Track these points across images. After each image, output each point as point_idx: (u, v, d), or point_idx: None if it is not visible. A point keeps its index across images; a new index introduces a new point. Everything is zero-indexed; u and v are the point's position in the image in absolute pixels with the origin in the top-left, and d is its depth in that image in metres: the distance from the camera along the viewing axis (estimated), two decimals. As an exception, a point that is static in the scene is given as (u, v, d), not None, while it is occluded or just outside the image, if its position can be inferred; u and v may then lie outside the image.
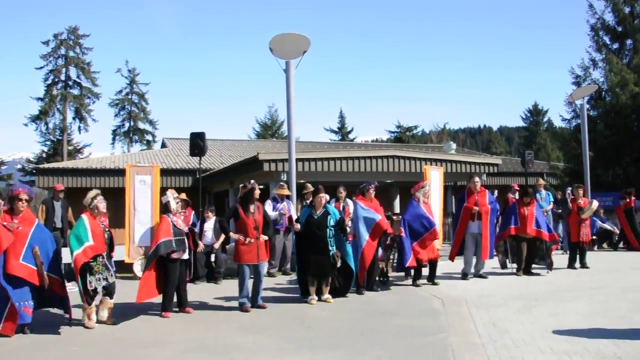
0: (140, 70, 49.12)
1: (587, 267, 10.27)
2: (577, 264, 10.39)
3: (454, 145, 27.62)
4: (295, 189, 10.39)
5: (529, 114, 54.96)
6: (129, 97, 48.30)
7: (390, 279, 9.26)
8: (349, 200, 9.53)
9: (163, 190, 7.49)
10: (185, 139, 19.74)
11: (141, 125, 48.36)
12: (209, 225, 9.90)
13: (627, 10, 21.38)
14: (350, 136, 51.38)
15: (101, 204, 6.34)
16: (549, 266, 9.63)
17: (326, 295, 7.49)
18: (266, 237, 7.18)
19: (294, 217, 9.09)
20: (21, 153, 65.02)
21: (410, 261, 8.42)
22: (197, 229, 9.18)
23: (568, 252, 10.96)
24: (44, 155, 42.50)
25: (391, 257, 9.43)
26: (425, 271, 8.82)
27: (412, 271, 8.90)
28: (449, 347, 5.10)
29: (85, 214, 6.30)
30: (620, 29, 21.73)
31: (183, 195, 8.16)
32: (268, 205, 9.90)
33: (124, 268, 9.10)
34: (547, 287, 8.26)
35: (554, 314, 6.36)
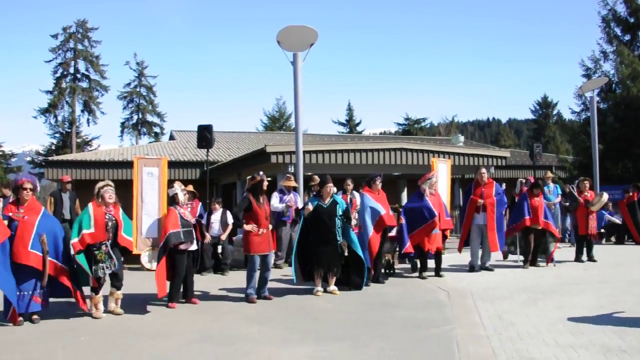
0: (148, 63, 49.39)
1: (594, 260, 10.22)
2: (584, 257, 10.34)
3: (462, 138, 27.45)
4: (302, 181, 10.40)
5: (538, 107, 54.58)
6: (137, 89, 48.41)
7: (396, 271, 9.28)
8: (356, 193, 9.52)
9: (170, 183, 7.54)
10: (193, 132, 19.78)
11: (149, 117, 48.50)
12: (216, 217, 9.94)
13: (639, 1, 21.12)
14: (358, 128, 51.27)
15: (106, 193, 6.38)
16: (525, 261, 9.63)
17: (332, 287, 7.51)
18: (271, 227, 7.30)
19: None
20: (31, 145, 65.42)
21: (407, 247, 8.50)
22: (204, 221, 9.23)
23: (575, 245, 10.90)
24: (53, 147, 42.76)
25: (397, 249, 9.44)
26: (431, 263, 8.83)
27: (418, 263, 8.92)
28: (453, 339, 5.11)
29: (91, 202, 6.40)
30: (632, 20, 21.48)
31: (190, 187, 8.20)
32: (275, 197, 9.92)
33: (131, 259, 9.16)
34: (553, 280, 8.24)
35: (559, 306, 6.35)
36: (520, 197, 9.92)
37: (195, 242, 7.01)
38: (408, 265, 9.55)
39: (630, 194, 13.64)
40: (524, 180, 12.13)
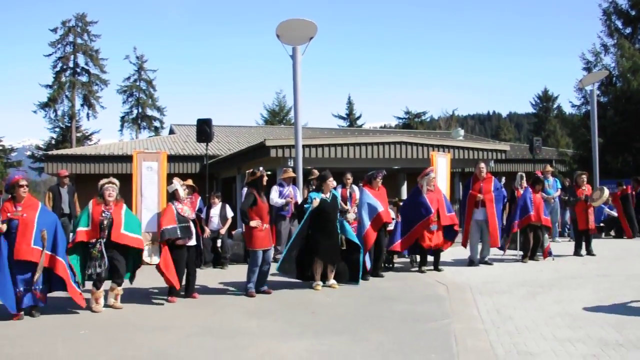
0: (148, 57, 48.97)
1: (593, 255, 10.24)
2: (583, 251, 10.36)
3: (462, 132, 27.43)
4: (302, 175, 10.40)
5: (538, 100, 54.42)
6: (137, 83, 48.34)
7: (396, 265, 9.30)
8: (355, 187, 9.53)
9: (170, 177, 7.55)
10: (193, 126, 19.79)
11: (149, 111, 48.47)
12: (215, 211, 9.95)
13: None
14: (359, 122, 51.28)
15: (107, 191, 6.40)
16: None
17: (331, 281, 7.53)
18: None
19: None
20: (31, 140, 65.47)
21: (394, 245, 8.58)
22: (203, 215, 9.25)
23: (574, 239, 10.91)
24: (53, 142, 42.79)
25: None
26: (431, 258, 8.84)
27: (417, 257, 8.94)
28: (451, 332, 5.13)
29: (92, 200, 6.46)
30: (633, 12, 21.41)
31: (189, 182, 8.20)
32: (275, 191, 9.91)
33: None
34: (552, 275, 8.26)
35: (558, 301, 6.37)
36: (524, 192, 9.92)
37: (194, 237, 7.01)
38: (407, 260, 9.58)
39: (624, 187, 13.66)
40: (523, 174, 12.14)
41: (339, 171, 10.11)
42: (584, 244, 10.43)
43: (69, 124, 42.86)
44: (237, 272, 8.63)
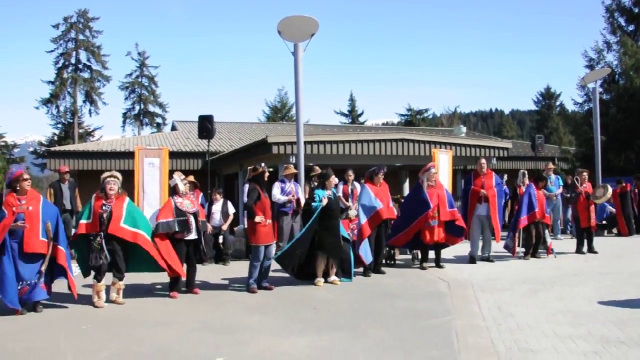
0: (150, 54, 49.12)
1: (595, 252, 10.23)
2: (585, 249, 10.35)
3: (464, 129, 27.37)
4: (303, 172, 10.40)
5: (541, 98, 54.29)
6: (139, 80, 48.32)
7: (397, 261, 9.30)
8: (356, 184, 9.54)
9: (172, 173, 7.56)
10: (195, 122, 19.78)
11: (151, 108, 48.44)
12: (217, 207, 9.96)
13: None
14: (361, 119, 51.21)
15: (108, 185, 6.42)
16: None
17: (333, 277, 7.55)
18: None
19: (302, 199, 9.13)
20: (33, 136, 65.63)
21: (392, 240, 8.66)
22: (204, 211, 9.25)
23: (576, 236, 10.89)
24: (55, 138, 42.80)
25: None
26: (433, 255, 8.83)
27: (419, 254, 8.94)
28: (452, 329, 5.13)
29: (95, 194, 6.52)
30: (636, 10, 21.33)
31: (191, 178, 8.21)
32: (277, 188, 9.90)
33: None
34: (554, 272, 8.25)
35: (560, 298, 6.36)
36: (527, 189, 9.91)
37: (194, 231, 6.97)
38: (409, 256, 9.58)
39: (624, 184, 13.64)
40: (525, 172, 12.12)
41: (341, 168, 10.11)
42: (585, 241, 10.42)
43: (71, 120, 42.88)
44: (239, 268, 8.65)
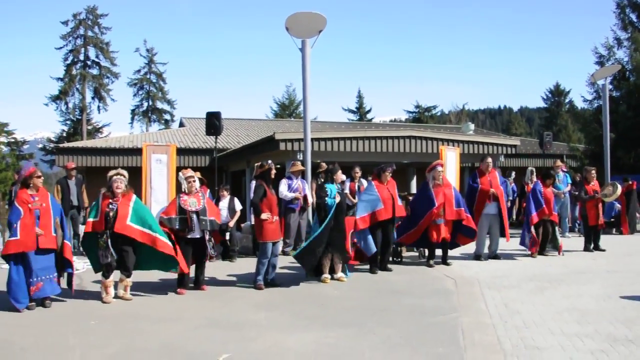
0: (158, 50, 49.26)
1: (602, 250, 10.17)
2: (592, 246, 10.30)
3: (472, 126, 27.24)
4: (310, 169, 10.41)
5: (550, 95, 54.00)
6: (147, 76, 48.50)
7: (404, 259, 9.29)
8: (363, 180, 9.54)
9: (179, 169, 7.59)
10: (203, 119, 19.88)
11: (159, 104, 48.64)
12: (224, 204, 9.98)
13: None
14: (369, 116, 51.15)
15: (115, 183, 6.46)
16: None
17: (339, 274, 7.55)
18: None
19: (309, 196, 9.15)
20: (42, 132, 66.04)
21: (402, 238, 8.69)
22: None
23: (584, 234, 10.83)
24: (64, 134, 43.10)
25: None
26: (440, 252, 8.82)
27: (426, 251, 8.93)
28: (459, 326, 5.12)
29: (102, 192, 6.58)
30: (648, 5, 21.11)
31: (197, 174, 8.24)
32: (284, 185, 9.92)
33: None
34: (561, 270, 8.22)
35: (566, 296, 6.34)
36: (534, 186, 9.85)
37: (196, 230, 6.92)
38: (416, 254, 9.57)
39: (630, 182, 13.55)
40: (533, 169, 12.07)
41: (348, 165, 10.11)
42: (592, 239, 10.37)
43: (80, 117, 43.14)
44: (246, 265, 8.68)
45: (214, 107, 39.15)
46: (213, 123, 13.27)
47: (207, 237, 6.97)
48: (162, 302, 6.40)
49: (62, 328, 5.27)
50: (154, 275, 7.49)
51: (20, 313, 5.78)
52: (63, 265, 6.31)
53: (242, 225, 10.83)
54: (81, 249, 6.68)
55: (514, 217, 13.75)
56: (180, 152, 17.34)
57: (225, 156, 19.05)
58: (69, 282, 6.38)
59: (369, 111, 51.79)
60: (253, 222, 7.76)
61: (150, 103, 48.40)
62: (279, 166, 8.09)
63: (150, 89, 48.45)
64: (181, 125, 29.23)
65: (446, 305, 6.05)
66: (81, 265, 7.99)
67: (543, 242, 9.62)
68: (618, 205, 13.82)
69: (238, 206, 9.97)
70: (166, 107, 48.76)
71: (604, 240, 10.53)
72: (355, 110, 51.70)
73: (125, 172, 6.66)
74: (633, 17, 21.44)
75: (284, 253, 9.76)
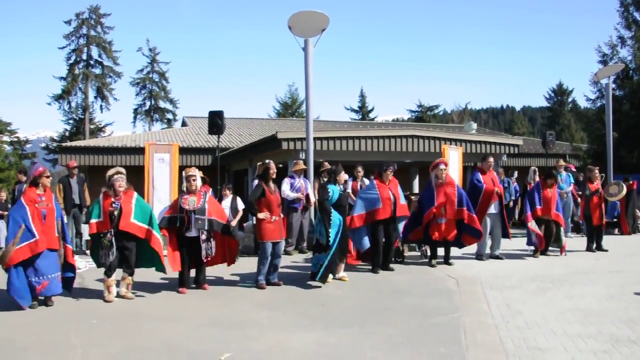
0: (160, 49, 49.42)
1: (603, 250, 10.14)
2: (594, 247, 10.27)
3: (474, 125, 27.18)
4: (313, 168, 10.41)
5: (553, 94, 53.80)
6: (150, 76, 48.56)
7: (406, 259, 9.28)
8: (365, 180, 9.54)
9: (182, 169, 7.60)
10: (205, 118, 19.88)
11: (162, 104, 48.70)
12: (226, 203, 9.98)
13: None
14: (371, 115, 51.13)
15: (116, 182, 6.46)
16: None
17: (341, 273, 7.54)
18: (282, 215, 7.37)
19: (312, 195, 9.14)
20: (45, 132, 66.12)
21: (410, 235, 8.74)
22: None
23: (586, 234, 10.80)
24: (66, 134, 43.19)
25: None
26: (441, 252, 8.81)
27: (428, 251, 8.92)
28: (461, 326, 5.12)
29: (103, 192, 6.57)
30: (652, 4, 21.03)
31: (200, 173, 8.24)
32: (286, 184, 9.92)
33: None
34: (563, 270, 8.20)
35: (569, 296, 6.33)
36: (533, 186, 9.84)
37: (193, 229, 6.87)
38: (417, 253, 9.56)
39: (630, 182, 13.52)
40: (536, 169, 12.04)
41: (350, 164, 10.11)
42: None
43: (83, 116, 43.21)
44: (248, 264, 8.66)
45: (216, 107, 39.25)
46: (215, 122, 13.28)
47: (203, 237, 6.86)
48: (163, 301, 6.41)
49: (63, 327, 5.27)
50: (156, 275, 7.47)
51: (21, 312, 5.79)
52: (64, 268, 6.31)
53: (245, 224, 10.83)
54: (84, 248, 6.69)
55: (516, 217, 13.73)
56: (183, 151, 17.36)
57: (228, 155, 19.05)
58: (69, 285, 6.38)
59: (371, 110, 51.81)
60: (254, 222, 7.75)
61: (153, 102, 48.46)
62: (281, 165, 8.09)
63: (153, 88, 48.52)
64: (184, 124, 29.25)
65: (448, 305, 6.04)
66: (83, 264, 8.01)
67: (546, 243, 9.60)
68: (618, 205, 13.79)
69: (240, 205, 9.97)
70: (169, 106, 48.89)
71: (607, 240, 10.50)
72: (357, 109, 51.69)
73: (123, 170, 6.67)
74: (637, 15, 21.35)
75: (286, 253, 9.76)
